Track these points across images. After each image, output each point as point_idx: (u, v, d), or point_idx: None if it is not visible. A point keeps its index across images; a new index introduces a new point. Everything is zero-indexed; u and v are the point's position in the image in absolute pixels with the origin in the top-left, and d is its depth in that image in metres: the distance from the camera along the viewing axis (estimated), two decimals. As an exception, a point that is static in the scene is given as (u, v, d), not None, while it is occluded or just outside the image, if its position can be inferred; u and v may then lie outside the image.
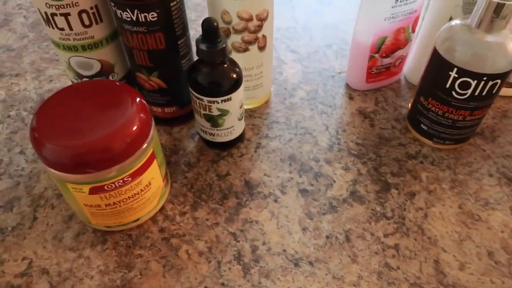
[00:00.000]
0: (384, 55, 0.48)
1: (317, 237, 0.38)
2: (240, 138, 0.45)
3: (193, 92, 0.40)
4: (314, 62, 0.56)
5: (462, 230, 0.38)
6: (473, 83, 0.38)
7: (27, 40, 0.60)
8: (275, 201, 0.41)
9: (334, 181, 0.42)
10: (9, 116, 0.49)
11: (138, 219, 0.38)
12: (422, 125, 0.44)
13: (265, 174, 0.43)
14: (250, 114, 0.49)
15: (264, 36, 0.43)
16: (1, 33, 0.61)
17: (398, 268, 0.36)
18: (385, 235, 0.38)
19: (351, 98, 0.51)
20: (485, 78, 0.37)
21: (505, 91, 0.50)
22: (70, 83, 0.53)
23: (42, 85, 0.53)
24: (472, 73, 0.37)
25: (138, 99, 0.34)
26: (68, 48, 0.39)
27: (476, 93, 0.38)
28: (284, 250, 0.37)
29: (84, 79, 0.42)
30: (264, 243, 0.38)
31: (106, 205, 0.34)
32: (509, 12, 0.35)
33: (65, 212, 0.40)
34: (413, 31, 0.47)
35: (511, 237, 0.38)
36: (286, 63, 0.56)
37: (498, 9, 0.35)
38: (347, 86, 0.53)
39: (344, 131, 0.47)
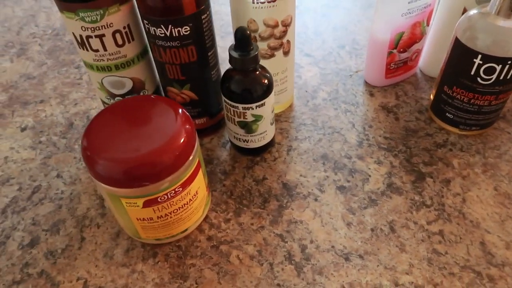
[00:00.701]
0: (401, 50, 0.49)
1: (362, 230, 0.39)
2: (271, 143, 0.46)
3: (227, 100, 0.41)
4: (329, 63, 0.58)
5: (501, 211, 0.39)
6: (498, 68, 0.39)
7: (46, 67, 0.61)
8: (315, 200, 0.42)
9: (370, 176, 0.43)
10: (40, 142, 0.50)
11: (186, 230, 0.39)
12: (447, 113, 0.46)
13: (301, 175, 0.44)
14: (276, 119, 0.50)
15: (288, 41, 0.44)
16: (19, 63, 0.62)
17: (446, 253, 0.37)
18: (428, 223, 0.39)
19: (371, 94, 0.53)
20: (510, 62, 0.39)
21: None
22: (98, 105, 0.54)
23: (68, 109, 0.54)
24: (496, 58, 0.39)
25: (181, 111, 0.35)
26: (102, 69, 0.40)
27: (501, 77, 0.40)
28: (333, 246, 0.38)
29: (116, 98, 0.43)
30: (312, 241, 0.38)
31: (158, 217, 0.35)
32: (527, -2, 0.37)
33: (112, 230, 0.41)
34: (428, 24, 0.49)
35: (550, 213, 0.39)
36: (302, 66, 0.57)
37: (515, -5, 0.37)
38: (366, 83, 0.54)
39: (371, 127, 0.49)
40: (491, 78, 0.40)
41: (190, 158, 0.34)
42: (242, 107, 0.40)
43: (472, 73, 0.41)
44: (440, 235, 0.38)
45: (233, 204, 0.42)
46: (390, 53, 0.49)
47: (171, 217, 0.36)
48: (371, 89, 0.53)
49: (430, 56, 0.53)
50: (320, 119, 0.50)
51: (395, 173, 0.43)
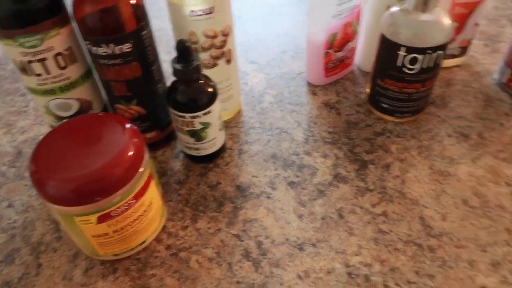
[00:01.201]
0: (337, 49, 0.53)
1: (313, 220, 0.41)
2: (223, 148, 0.48)
3: (174, 111, 0.42)
4: (274, 68, 0.60)
5: (436, 187, 0.43)
6: (420, 57, 0.43)
7: (-10, 97, 0.60)
8: (268, 197, 0.44)
9: (317, 169, 0.46)
10: (-11, 173, 0.49)
11: (144, 241, 0.39)
12: (382, 104, 0.49)
13: (253, 176, 0.46)
14: (226, 125, 0.52)
15: (229, 50, 0.46)
16: (-39, 95, 0.61)
17: (391, 231, 0.40)
18: (372, 206, 0.42)
19: (314, 94, 0.56)
20: (429, 51, 0.43)
21: (446, 63, 0.57)
22: (46, 130, 0.53)
23: (15, 138, 0.53)
24: (418, 49, 0.43)
25: (128, 126, 0.36)
26: (46, 92, 0.41)
27: (425, 66, 0.44)
28: (287, 239, 0.40)
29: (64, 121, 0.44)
30: (267, 237, 0.40)
31: (114, 231, 0.36)
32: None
33: (69, 252, 0.41)
34: (358, 23, 0.52)
35: (479, 184, 0.43)
36: (248, 73, 0.60)
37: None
38: (309, 84, 0.57)
39: (315, 123, 0.51)
40: (416, 68, 0.44)
41: (140, 170, 0.35)
42: (190, 116, 0.42)
43: (399, 64, 0.44)
44: (384, 215, 0.41)
45: (189, 211, 0.43)
46: (326, 53, 0.52)
47: (127, 230, 0.37)
48: (313, 88, 0.56)
49: (364, 52, 0.56)
50: (268, 121, 0.52)
51: (340, 164, 0.46)
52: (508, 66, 0.51)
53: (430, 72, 0.45)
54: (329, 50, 0.52)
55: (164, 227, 0.42)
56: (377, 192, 0.43)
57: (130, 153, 0.34)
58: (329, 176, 0.45)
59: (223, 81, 0.48)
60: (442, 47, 0.43)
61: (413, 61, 0.43)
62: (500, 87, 0.53)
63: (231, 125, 0.52)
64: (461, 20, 0.51)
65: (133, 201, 0.35)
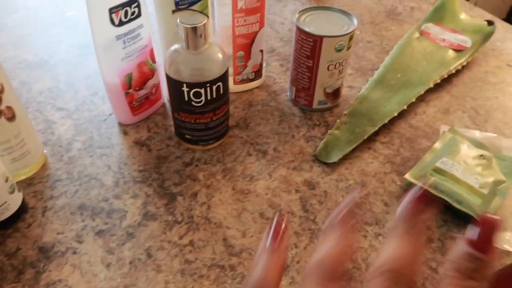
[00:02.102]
0: (137, 88, 0.54)
1: (121, 266, 0.41)
2: (22, 210, 0.45)
3: None
4: (83, 112, 0.59)
5: (238, 206, 0.47)
6: (202, 91, 0.46)
7: None
8: (74, 253, 0.42)
9: (127, 211, 0.46)
10: None
11: None
12: (186, 135, 0.52)
13: (58, 233, 0.44)
14: (29, 183, 0.49)
15: (8, 107, 0.43)
16: None
17: (196, 259, 0.42)
18: (180, 237, 0.43)
19: (125, 133, 0.56)
20: (208, 85, 0.46)
21: (246, 86, 0.62)
22: None
23: None
24: (197, 84, 0.46)
25: None
26: None
27: (209, 97, 0.47)
28: (94, 293, 0.39)
29: None
30: (72, 296, 0.39)
31: None
32: (202, 31, 0.44)
33: None
34: (154, 61, 0.54)
35: (273, 195, 0.48)
36: (55, 122, 0.57)
37: (193, 31, 0.44)
38: (120, 124, 0.57)
39: (126, 164, 0.51)
40: (201, 100, 0.47)
41: None
42: (-39, 187, 0.38)
43: (186, 99, 0.47)
44: (191, 244, 0.43)
45: (-16, 288, 0.39)
46: (127, 93, 0.53)
47: None
48: (124, 128, 0.56)
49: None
50: (76, 170, 0.51)
51: (150, 201, 0.47)
52: (292, 84, 0.59)
53: (216, 102, 0.48)
54: (129, 90, 0.53)
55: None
56: (184, 223, 0.45)
57: None
58: (138, 216, 0.45)
59: (10, 140, 0.45)
60: (221, 78, 0.47)
61: (197, 94, 0.47)
62: (292, 103, 0.60)
63: (34, 181, 0.49)
64: (246, 48, 0.57)
65: None
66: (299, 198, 0.47)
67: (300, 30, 0.53)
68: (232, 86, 0.61)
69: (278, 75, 0.66)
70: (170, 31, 0.53)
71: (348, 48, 0.54)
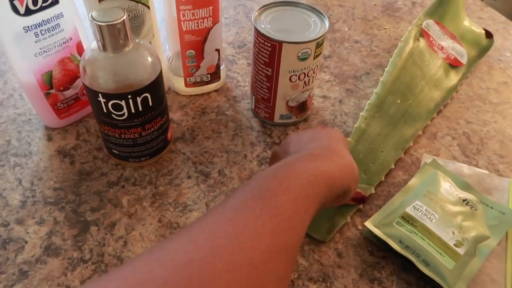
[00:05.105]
0: (62, 88, 0.45)
1: (1, 317, 0.34)
2: None
3: None
4: (8, 109, 0.51)
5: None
6: (123, 103, 0.38)
7: None
8: (-50, 294, 0.35)
9: (26, 242, 0.38)
10: None
11: None
12: (113, 150, 0.43)
13: None
14: None
15: None
16: None
17: (94, 313, 0.34)
18: (82, 282, 0.36)
19: (50, 139, 0.48)
20: (129, 96, 0.37)
21: (204, 89, 0.53)
22: None
23: None
24: (115, 95, 0.37)
25: None
26: None
27: (133, 111, 0.39)
28: None
29: None
30: None
31: None
32: (122, 30, 0.35)
33: None
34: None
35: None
36: (-29, 119, 0.49)
37: (110, 29, 0.35)
38: (46, 127, 0.49)
39: (41, 179, 0.43)
40: (124, 113, 0.39)
41: None
42: None
43: (105, 111, 0.39)
44: (92, 293, 0.35)
45: None
46: (48, 94, 0.45)
47: None
48: (50, 132, 0.48)
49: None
50: (-19, 183, 0.43)
51: (57, 230, 0.39)
52: (252, 93, 0.50)
53: (144, 115, 0.40)
54: (50, 91, 0.44)
55: None
56: (92, 263, 0.37)
57: None
58: (39, 249, 0.38)
59: None
60: (149, 87, 0.38)
61: (118, 107, 0.38)
62: (252, 113, 0.52)
63: None
64: (197, 47, 0.48)
65: None
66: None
67: (257, 31, 0.43)
68: (183, 89, 0.52)
69: (243, 76, 0.57)
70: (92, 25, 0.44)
71: (316, 56, 0.44)
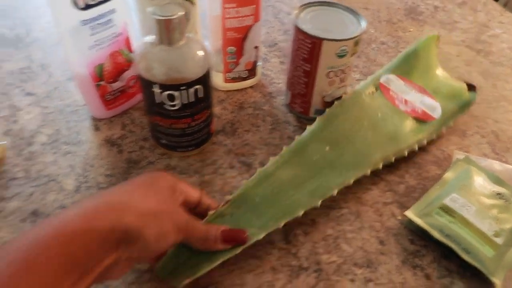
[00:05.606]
0: (110, 80, 0.47)
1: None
2: (-35, 212, 0.39)
3: None
4: (54, 100, 0.53)
5: (210, 229, 0.41)
6: (177, 94, 0.40)
7: None
8: (15, 270, 0.37)
9: (83, 224, 0.40)
10: None
11: None
12: (161, 140, 0.45)
13: (4, 243, 0.38)
14: (-20, 179, 0.43)
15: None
16: None
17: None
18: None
19: (97, 129, 0.50)
20: (183, 87, 0.40)
21: (239, 85, 0.55)
22: None
23: None
24: (171, 86, 0.39)
25: None
26: None
27: (186, 102, 0.41)
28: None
29: None
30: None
31: None
32: (178, 25, 0.38)
33: None
34: (131, 51, 0.48)
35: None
36: (21, 109, 0.51)
37: (168, 24, 0.37)
38: (92, 118, 0.51)
39: (92, 166, 0.45)
40: (176, 104, 0.41)
41: None
42: None
43: (158, 101, 0.41)
44: (150, 271, 0.37)
45: None
46: (99, 86, 0.47)
47: None
48: (97, 122, 0.50)
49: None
50: (35, 169, 0.45)
51: (111, 214, 0.41)
52: (288, 88, 0.52)
53: (195, 106, 0.42)
54: (101, 82, 0.46)
55: None
56: (146, 244, 0.39)
57: None
58: (95, 231, 0.40)
59: (-47, 132, 0.39)
60: (200, 80, 0.40)
61: (171, 97, 0.40)
62: (287, 108, 0.54)
63: (-14, 178, 0.44)
64: (238, 44, 0.50)
65: None
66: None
67: (297, 29, 0.45)
68: (222, 84, 0.54)
69: (277, 74, 0.59)
70: (149, 19, 0.46)
71: (353, 54, 0.46)
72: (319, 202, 0.39)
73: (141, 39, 0.43)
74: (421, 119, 0.48)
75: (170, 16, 0.37)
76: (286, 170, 0.41)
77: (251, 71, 0.54)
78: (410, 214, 0.40)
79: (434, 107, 0.50)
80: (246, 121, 0.52)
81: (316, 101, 0.50)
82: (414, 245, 0.40)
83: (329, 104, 0.50)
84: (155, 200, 0.31)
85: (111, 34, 0.44)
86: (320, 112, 0.50)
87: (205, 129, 0.46)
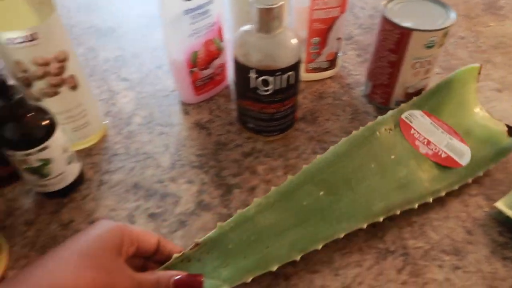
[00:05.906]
0: (202, 67, 0.51)
1: (169, 257, 0.39)
2: (79, 181, 0.44)
3: (5, 150, 0.38)
4: (146, 85, 0.57)
5: (297, 209, 0.43)
6: (271, 79, 0.42)
7: None
8: (124, 234, 0.41)
9: (181, 197, 0.44)
10: None
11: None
12: (248, 124, 0.48)
13: (111, 210, 0.43)
14: (87, 153, 0.48)
15: (72, 76, 0.42)
16: None
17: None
18: (232, 234, 0.40)
19: (187, 113, 0.53)
20: (278, 73, 0.42)
21: (318, 75, 0.57)
22: None
23: None
24: (267, 71, 0.42)
25: None
26: None
27: (278, 87, 0.43)
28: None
29: None
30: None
31: None
32: (278, 14, 0.40)
33: None
34: (222, 40, 0.51)
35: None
36: (118, 92, 0.56)
37: (268, 13, 0.40)
38: (182, 102, 0.55)
39: (184, 146, 0.49)
40: (269, 89, 0.43)
41: None
42: (21, 155, 0.37)
43: (252, 86, 0.43)
44: (242, 244, 0.40)
45: (35, 256, 0.39)
46: (192, 72, 0.50)
47: None
48: (186, 107, 0.54)
49: (237, 68, 0.55)
50: (134, 146, 0.49)
51: (205, 190, 0.44)
52: (369, 79, 0.53)
53: (286, 92, 0.44)
54: (194, 69, 0.50)
55: (2, 278, 0.37)
56: (237, 219, 0.42)
57: None
58: (192, 204, 0.43)
59: (72, 109, 0.44)
60: (292, 67, 0.42)
61: (265, 83, 0.42)
62: (367, 99, 0.55)
63: (92, 152, 0.48)
64: (322, 35, 0.52)
65: None
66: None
67: (386, 20, 0.46)
68: (303, 74, 0.56)
69: (354, 66, 0.60)
70: (242, 10, 0.49)
71: (440, 45, 0.46)
72: (299, 256, 0.35)
73: (235, 28, 0.46)
74: (444, 165, 0.42)
75: (272, 5, 0.39)
76: (269, 215, 0.37)
77: (332, 62, 0.55)
78: (501, 206, 0.40)
79: (462, 152, 0.43)
80: (326, 110, 0.53)
81: (398, 92, 0.51)
82: (503, 237, 0.40)
83: (410, 95, 0.50)
84: (91, 277, 0.27)
85: (208, 23, 0.47)
86: (400, 103, 0.50)
87: (291, 115, 0.48)
